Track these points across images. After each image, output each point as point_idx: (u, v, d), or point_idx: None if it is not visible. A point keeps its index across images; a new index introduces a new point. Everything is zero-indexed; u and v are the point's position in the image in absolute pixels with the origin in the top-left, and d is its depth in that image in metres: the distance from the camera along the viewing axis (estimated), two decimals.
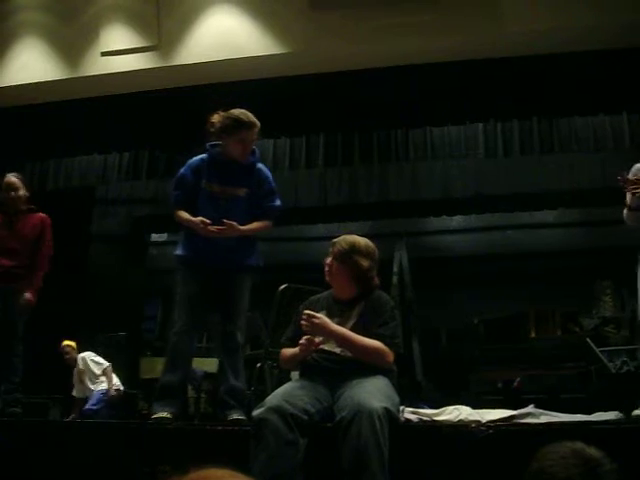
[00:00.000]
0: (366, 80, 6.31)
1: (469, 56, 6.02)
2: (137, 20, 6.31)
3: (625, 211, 3.92)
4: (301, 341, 3.24)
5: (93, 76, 6.43)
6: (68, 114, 6.79)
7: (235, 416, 3.74)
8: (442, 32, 5.80)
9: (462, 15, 5.73)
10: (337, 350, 3.24)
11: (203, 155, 4.03)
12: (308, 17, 5.95)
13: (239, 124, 3.87)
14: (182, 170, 4.04)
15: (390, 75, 6.24)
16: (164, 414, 3.70)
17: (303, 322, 3.19)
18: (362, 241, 3.44)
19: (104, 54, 6.38)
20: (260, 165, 4.08)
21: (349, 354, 3.20)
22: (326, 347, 3.27)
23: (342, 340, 3.20)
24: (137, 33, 6.30)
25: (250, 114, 3.91)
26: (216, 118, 3.96)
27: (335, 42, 5.97)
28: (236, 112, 3.91)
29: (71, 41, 6.47)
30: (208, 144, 4.02)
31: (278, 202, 4.08)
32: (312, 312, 3.20)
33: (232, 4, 6.22)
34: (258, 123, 3.91)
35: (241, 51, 6.15)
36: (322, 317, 3.19)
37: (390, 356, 3.17)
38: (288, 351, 3.43)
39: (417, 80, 6.26)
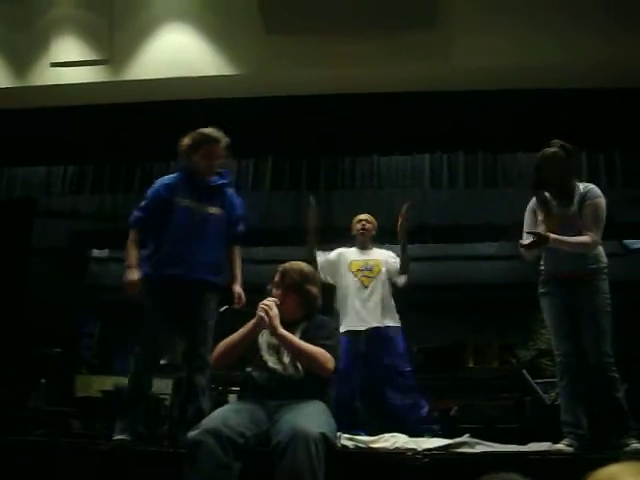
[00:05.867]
0: (316, 106, 6.35)
1: (418, 88, 6.11)
2: (89, 33, 6.24)
3: (522, 249, 4.05)
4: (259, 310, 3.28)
5: (41, 86, 6.32)
6: (13, 123, 6.66)
7: None
8: (393, 63, 5.87)
9: (414, 47, 5.82)
10: (279, 367, 3.27)
11: (175, 174, 4.18)
12: (262, 40, 5.98)
13: (204, 138, 4.05)
14: (154, 188, 4.13)
15: (340, 102, 6.29)
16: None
17: (262, 307, 3.28)
18: (307, 268, 3.54)
19: (54, 65, 6.29)
20: (231, 190, 4.29)
21: (290, 371, 3.23)
22: (270, 363, 3.29)
23: (286, 339, 3.27)
24: (89, 46, 6.22)
25: (217, 130, 4.09)
26: (186, 138, 4.11)
27: (288, 67, 6.01)
28: (203, 129, 4.10)
29: (20, 50, 6.35)
30: (180, 164, 4.20)
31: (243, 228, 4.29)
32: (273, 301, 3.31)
33: (186, 22, 6.21)
34: (224, 139, 4.09)
35: (193, 70, 6.13)
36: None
37: (331, 363, 3.24)
38: (230, 336, 3.41)
39: (365, 108, 6.32)
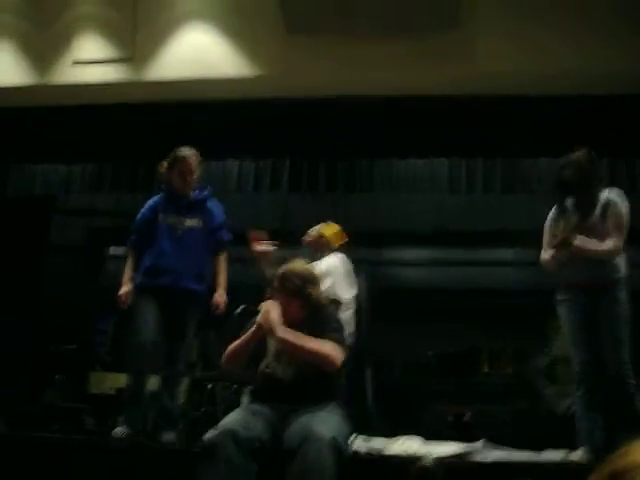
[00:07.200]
0: (336, 108, 6.33)
1: (439, 91, 6.08)
2: (112, 31, 6.26)
3: (545, 256, 4.01)
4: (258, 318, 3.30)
5: (63, 84, 6.35)
6: (34, 120, 6.70)
7: (169, 438, 4.13)
8: (415, 66, 5.85)
9: (438, 50, 5.79)
10: (283, 373, 3.27)
11: (159, 195, 4.63)
12: (284, 40, 5.97)
13: (176, 158, 4.48)
14: (141, 212, 4.61)
15: (360, 104, 6.27)
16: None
17: (262, 308, 3.31)
18: (306, 270, 3.49)
19: (76, 63, 6.32)
20: (212, 202, 4.64)
21: (296, 374, 3.23)
22: (277, 370, 3.29)
23: (287, 342, 3.25)
24: (111, 44, 6.24)
25: (186, 148, 4.53)
26: (164, 161, 4.56)
27: (309, 68, 6.00)
28: (177, 149, 4.53)
29: (43, 47, 6.38)
30: (162, 185, 4.63)
31: (229, 236, 4.66)
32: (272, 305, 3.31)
33: (208, 22, 6.22)
34: (192, 155, 4.50)
35: (215, 70, 6.14)
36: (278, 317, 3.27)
37: (339, 355, 3.22)
38: (236, 341, 3.44)
39: (385, 111, 6.31)
